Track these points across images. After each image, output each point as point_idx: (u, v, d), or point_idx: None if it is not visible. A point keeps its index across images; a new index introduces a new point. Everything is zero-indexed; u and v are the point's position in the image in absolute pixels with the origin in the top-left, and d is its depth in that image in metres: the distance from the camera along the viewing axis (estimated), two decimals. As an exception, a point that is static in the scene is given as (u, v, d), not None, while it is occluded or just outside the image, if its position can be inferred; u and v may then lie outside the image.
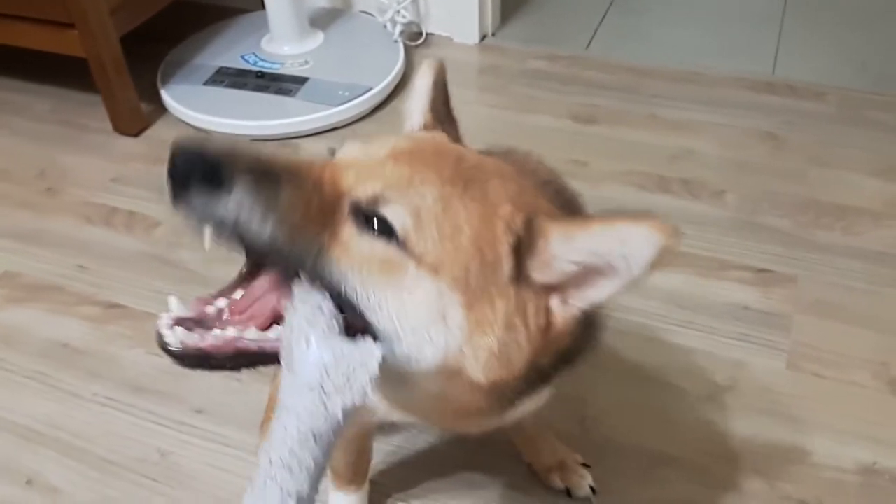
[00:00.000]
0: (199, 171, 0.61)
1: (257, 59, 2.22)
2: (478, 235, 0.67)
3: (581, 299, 0.70)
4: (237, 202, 0.62)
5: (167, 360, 0.68)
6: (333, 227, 0.66)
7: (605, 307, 0.76)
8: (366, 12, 2.43)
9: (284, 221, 0.63)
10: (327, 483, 1.22)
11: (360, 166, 0.69)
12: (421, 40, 2.36)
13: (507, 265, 0.68)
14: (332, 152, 0.78)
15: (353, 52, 2.27)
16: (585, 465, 1.28)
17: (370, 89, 2.09)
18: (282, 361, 0.66)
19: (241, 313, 0.70)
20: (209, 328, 0.68)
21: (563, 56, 2.32)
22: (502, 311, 0.67)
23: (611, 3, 2.57)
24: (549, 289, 0.71)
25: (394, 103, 2.15)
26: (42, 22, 1.94)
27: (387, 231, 0.66)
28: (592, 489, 1.26)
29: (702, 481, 1.28)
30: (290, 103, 2.07)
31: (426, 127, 0.84)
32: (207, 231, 0.64)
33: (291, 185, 0.64)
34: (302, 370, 0.62)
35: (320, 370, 0.61)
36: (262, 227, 0.63)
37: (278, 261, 0.67)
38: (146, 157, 2.02)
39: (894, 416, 1.35)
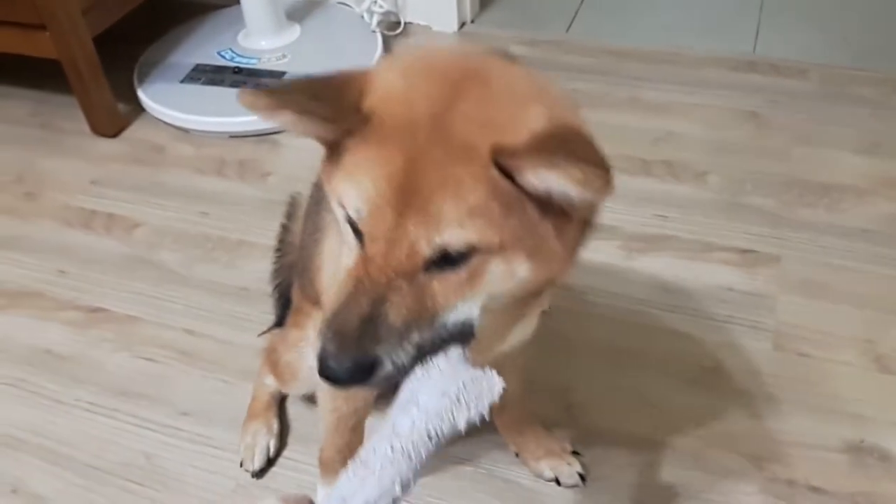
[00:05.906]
0: (355, 374, 0.68)
1: (234, 55, 2.20)
2: (501, 198, 0.68)
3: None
4: (387, 371, 0.70)
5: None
6: (428, 291, 0.70)
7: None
8: (342, 3, 2.40)
9: (412, 340, 0.70)
10: (314, 478, 1.21)
11: (387, 228, 0.68)
12: (399, 30, 2.34)
13: (530, 205, 0.70)
14: None
15: (331, 44, 2.25)
16: (575, 453, 1.28)
17: (349, 81, 2.06)
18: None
19: None
20: None
21: (543, 40, 2.31)
22: (551, 241, 0.73)
23: (590, -14, 2.55)
24: None
25: (373, 95, 2.13)
26: (12, 24, 1.91)
27: (458, 256, 0.69)
28: (581, 476, 1.26)
29: (690, 465, 1.27)
30: (268, 98, 2.05)
31: None
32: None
33: (390, 305, 0.69)
34: (441, 378, 0.71)
35: (458, 383, 0.70)
36: (412, 363, 0.71)
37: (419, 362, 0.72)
38: (125, 158, 2.00)
39: (881, 394, 1.35)
